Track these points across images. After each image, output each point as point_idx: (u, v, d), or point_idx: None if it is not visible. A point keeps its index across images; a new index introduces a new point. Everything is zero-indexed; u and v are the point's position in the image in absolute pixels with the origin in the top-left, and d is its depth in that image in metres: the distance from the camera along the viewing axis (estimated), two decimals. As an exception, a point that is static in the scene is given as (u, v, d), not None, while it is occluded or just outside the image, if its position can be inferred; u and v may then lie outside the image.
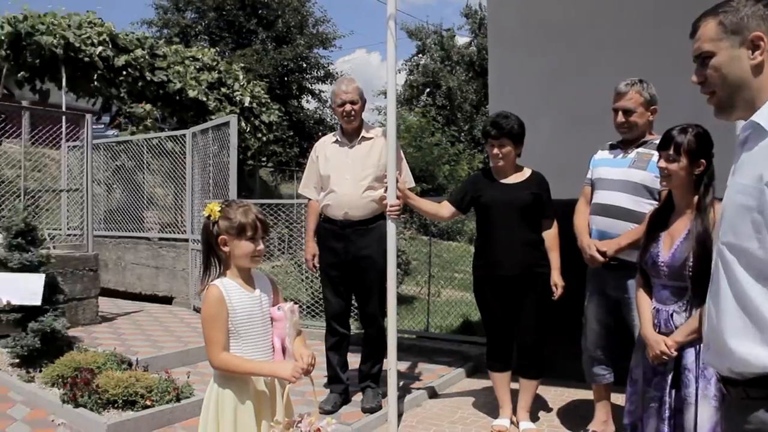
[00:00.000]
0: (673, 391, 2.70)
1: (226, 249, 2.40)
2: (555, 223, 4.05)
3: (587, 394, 4.62)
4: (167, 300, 8.07)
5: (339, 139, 4.39)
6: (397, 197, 4.00)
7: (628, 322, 3.47)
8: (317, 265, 4.42)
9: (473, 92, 29.60)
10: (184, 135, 7.90)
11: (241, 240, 2.38)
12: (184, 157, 7.81)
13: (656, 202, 3.35)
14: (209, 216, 2.42)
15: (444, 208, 4.20)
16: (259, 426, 2.48)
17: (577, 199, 4.10)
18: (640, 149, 3.57)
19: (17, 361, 4.90)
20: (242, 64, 14.99)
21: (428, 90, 30.20)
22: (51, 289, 5.15)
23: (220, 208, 2.41)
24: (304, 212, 8.76)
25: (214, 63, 12.75)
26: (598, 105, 4.96)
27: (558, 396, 4.76)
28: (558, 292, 3.94)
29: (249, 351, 2.39)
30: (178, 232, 8.06)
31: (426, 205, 4.32)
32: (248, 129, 12.74)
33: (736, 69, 1.56)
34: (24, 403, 4.37)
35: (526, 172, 4.08)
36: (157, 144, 8.46)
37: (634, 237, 3.30)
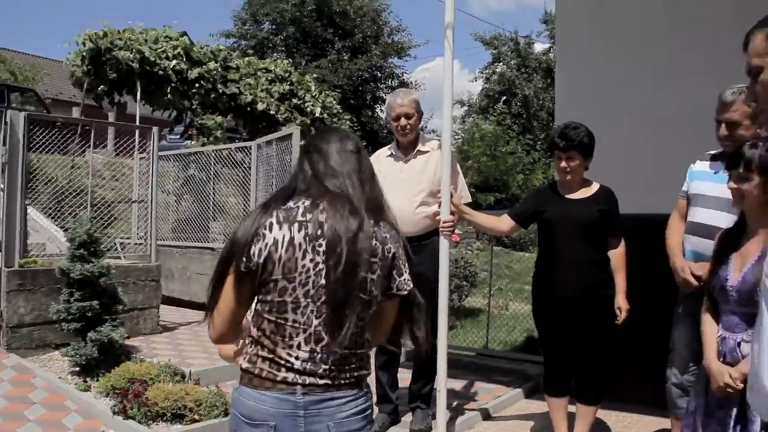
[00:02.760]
0: (738, 428, 2.42)
1: None
2: (622, 242, 3.77)
3: (652, 422, 4.34)
4: (231, 310, 8.08)
5: (393, 153, 4.24)
6: (452, 213, 3.80)
7: None
8: None
9: (550, 100, 28.95)
10: (250, 146, 7.93)
11: None
12: (250, 168, 7.83)
13: None
14: None
15: (503, 222, 3.98)
16: None
17: (651, 215, 3.81)
18: None
19: (76, 369, 4.96)
20: (316, 75, 15.12)
21: (504, 98, 29.77)
22: (111, 299, 5.22)
23: None
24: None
25: (287, 74, 12.87)
26: (676, 113, 4.67)
27: (619, 422, 4.45)
28: (622, 316, 3.67)
29: None
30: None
31: (483, 219, 4.11)
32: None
33: None
34: (78, 412, 4.40)
35: (594, 187, 3.81)
36: (225, 155, 8.54)
37: None
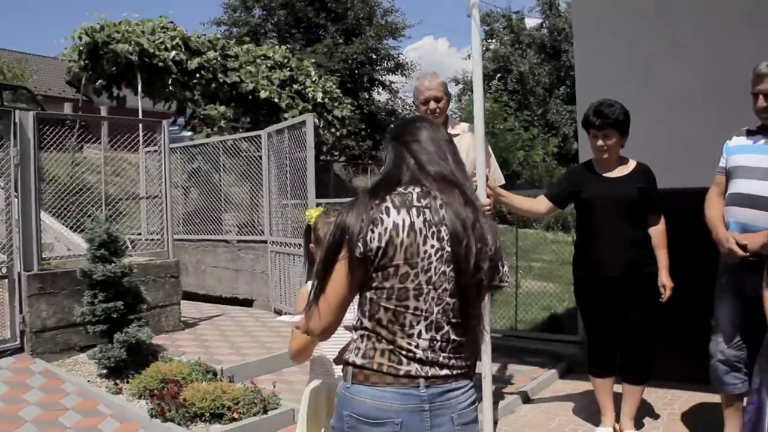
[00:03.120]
0: None
1: (317, 259, 2.29)
2: (662, 219, 3.72)
3: (693, 397, 4.33)
4: (248, 302, 8.03)
5: (426, 139, 4.12)
6: (488, 196, 3.72)
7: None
8: None
9: (546, 75, 28.81)
10: (260, 136, 7.80)
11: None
12: (261, 158, 7.72)
13: None
14: (309, 221, 2.45)
15: (540, 204, 3.91)
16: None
17: (681, 189, 3.76)
18: None
19: (104, 372, 4.88)
20: (313, 60, 14.93)
21: (499, 75, 29.55)
22: (134, 298, 5.13)
23: (318, 214, 2.41)
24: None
25: (285, 60, 12.70)
26: (701, 89, 4.59)
27: (661, 399, 4.42)
28: (667, 293, 3.64)
29: (329, 349, 2.37)
30: (256, 234, 7.99)
31: (520, 201, 4.02)
32: (321, 125, 12.66)
33: None
34: (114, 416, 4.32)
35: (631, 164, 3.74)
36: (232, 145, 8.43)
37: None
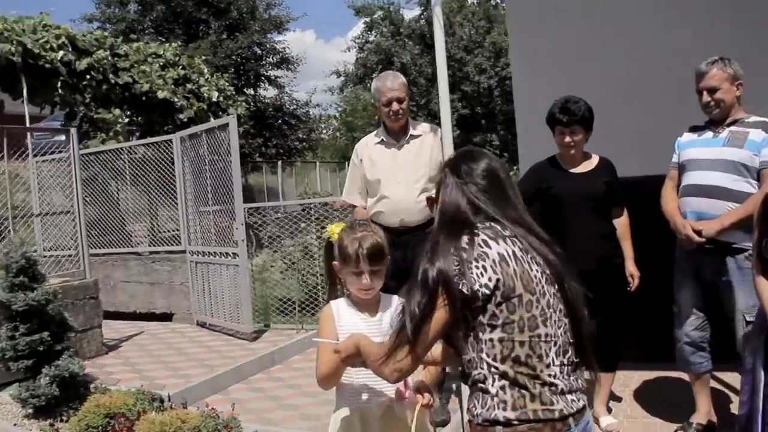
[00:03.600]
0: None
1: (341, 276, 2.22)
2: (625, 211, 3.81)
3: (643, 375, 4.51)
4: (167, 317, 7.57)
5: (384, 140, 4.01)
6: None
7: (726, 306, 3.33)
8: None
9: (427, 65, 29.18)
10: (170, 140, 7.33)
11: (346, 271, 2.15)
12: (172, 165, 7.25)
13: (755, 181, 3.21)
14: (329, 239, 2.27)
15: None
16: None
17: (630, 178, 3.92)
18: (732, 128, 3.34)
19: (32, 411, 4.39)
20: (204, 58, 14.30)
21: (381, 67, 29.67)
22: (60, 326, 4.65)
23: (340, 230, 2.23)
24: (291, 211, 8.39)
25: (177, 58, 12.06)
26: (642, 78, 4.71)
27: (617, 381, 4.50)
28: (635, 283, 3.74)
29: (362, 377, 2.19)
30: (173, 244, 7.53)
31: None
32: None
33: None
34: (54, 461, 3.89)
35: (595, 159, 3.80)
36: (138, 152, 7.87)
37: (738, 216, 3.14)
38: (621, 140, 4.44)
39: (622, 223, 3.78)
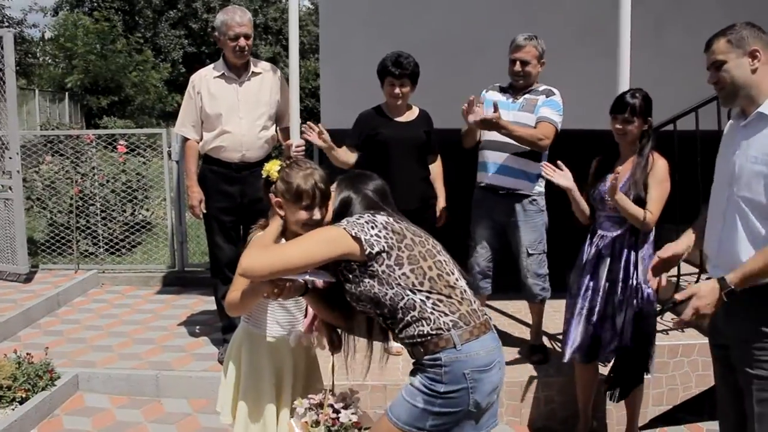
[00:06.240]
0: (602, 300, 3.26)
1: (281, 212, 2.28)
2: (439, 157, 4.25)
3: None
4: None
5: (225, 74, 3.96)
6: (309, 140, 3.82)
7: (513, 242, 4.01)
8: (204, 212, 4.03)
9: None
10: None
11: (296, 207, 2.23)
12: None
13: None
14: (267, 177, 2.29)
15: (350, 155, 4.05)
16: (279, 392, 2.45)
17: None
18: (527, 95, 3.95)
19: None
20: None
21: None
22: None
23: (279, 168, 2.26)
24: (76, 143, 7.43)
25: None
26: (434, 33, 5.22)
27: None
28: (443, 218, 4.21)
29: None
30: None
31: (342, 155, 4.03)
32: None
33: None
34: None
35: (415, 110, 4.12)
36: None
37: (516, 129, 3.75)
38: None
39: (436, 168, 4.23)
